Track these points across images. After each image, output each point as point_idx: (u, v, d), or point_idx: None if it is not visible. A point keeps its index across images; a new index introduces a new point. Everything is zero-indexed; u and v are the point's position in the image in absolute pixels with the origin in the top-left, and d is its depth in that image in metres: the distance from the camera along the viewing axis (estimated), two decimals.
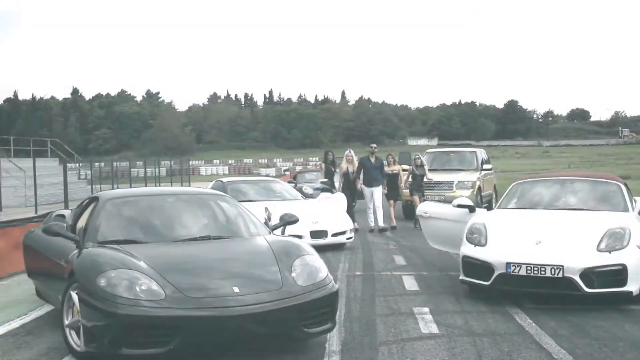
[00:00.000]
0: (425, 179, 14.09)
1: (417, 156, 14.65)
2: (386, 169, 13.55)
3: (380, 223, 13.12)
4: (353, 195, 13.25)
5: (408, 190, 14.24)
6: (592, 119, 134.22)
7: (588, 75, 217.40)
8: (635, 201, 7.86)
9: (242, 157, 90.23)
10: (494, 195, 17.46)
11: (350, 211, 12.86)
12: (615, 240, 6.36)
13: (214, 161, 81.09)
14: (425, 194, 14.03)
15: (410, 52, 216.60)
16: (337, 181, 14.65)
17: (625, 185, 7.98)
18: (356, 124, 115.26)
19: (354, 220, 12.78)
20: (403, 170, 14.44)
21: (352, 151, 13.86)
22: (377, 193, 13.18)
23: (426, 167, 14.35)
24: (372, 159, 13.30)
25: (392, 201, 13.95)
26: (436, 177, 14.55)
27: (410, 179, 14.39)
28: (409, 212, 15.01)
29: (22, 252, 7.17)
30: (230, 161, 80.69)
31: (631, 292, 6.20)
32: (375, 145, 14.04)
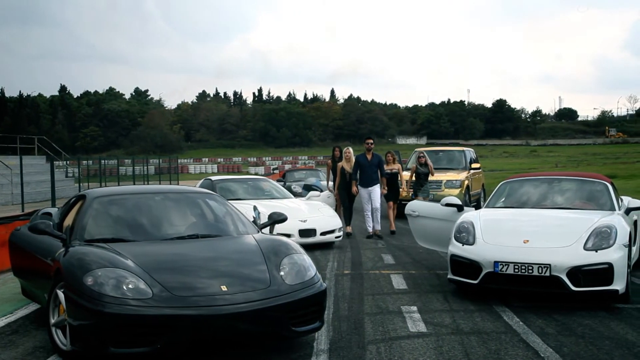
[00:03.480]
0: (429, 178, 13.76)
1: (421, 154, 14.16)
2: (385, 167, 12.36)
3: (377, 226, 11.97)
4: (350, 196, 12.28)
5: (412, 191, 13.79)
6: (579, 119, 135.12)
7: (576, 75, 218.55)
8: (621, 200, 7.92)
9: (231, 155, 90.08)
10: (482, 194, 17.55)
11: (347, 213, 12.39)
12: (602, 239, 6.40)
13: (203, 159, 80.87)
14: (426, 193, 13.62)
15: (400, 50, 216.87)
16: (331, 180, 13.66)
17: (612, 184, 8.03)
18: (345, 123, 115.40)
19: (348, 223, 12.32)
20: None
21: (351, 149, 12.66)
22: (375, 194, 11.94)
23: (431, 165, 13.95)
24: (369, 156, 12.01)
25: (391, 203, 12.74)
26: None
27: (413, 179, 14.01)
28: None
29: (8, 250, 7.11)
30: (219, 159, 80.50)
31: (617, 291, 6.23)
32: (371, 141, 12.36)
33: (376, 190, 11.99)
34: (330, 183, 13.74)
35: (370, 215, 11.94)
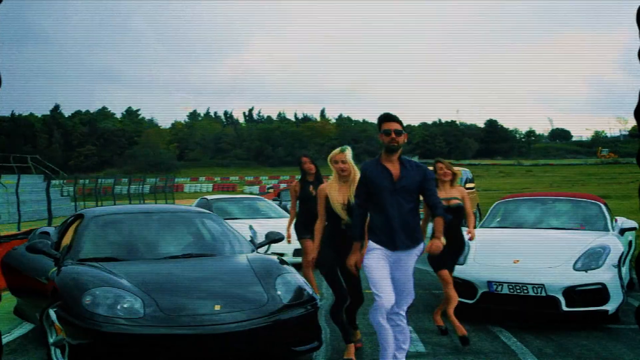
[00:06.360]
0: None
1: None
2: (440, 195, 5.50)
3: (405, 349, 4.91)
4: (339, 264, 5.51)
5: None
6: (573, 139, 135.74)
7: (569, 95, 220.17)
8: (615, 221, 7.97)
9: (225, 174, 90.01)
10: (477, 214, 17.60)
11: (338, 310, 5.40)
12: (592, 259, 6.43)
13: (200, 178, 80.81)
14: None
15: (390, 70, 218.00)
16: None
17: (606, 205, 8.10)
18: (341, 142, 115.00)
19: (348, 339, 5.33)
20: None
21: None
22: (407, 269, 5.03)
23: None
24: (392, 166, 4.65)
25: (446, 272, 6.09)
26: None
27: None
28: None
29: (4, 270, 7.10)
30: (215, 178, 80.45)
31: (607, 311, 6.26)
32: (398, 128, 4.59)
33: (410, 261, 4.99)
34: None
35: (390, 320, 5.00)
